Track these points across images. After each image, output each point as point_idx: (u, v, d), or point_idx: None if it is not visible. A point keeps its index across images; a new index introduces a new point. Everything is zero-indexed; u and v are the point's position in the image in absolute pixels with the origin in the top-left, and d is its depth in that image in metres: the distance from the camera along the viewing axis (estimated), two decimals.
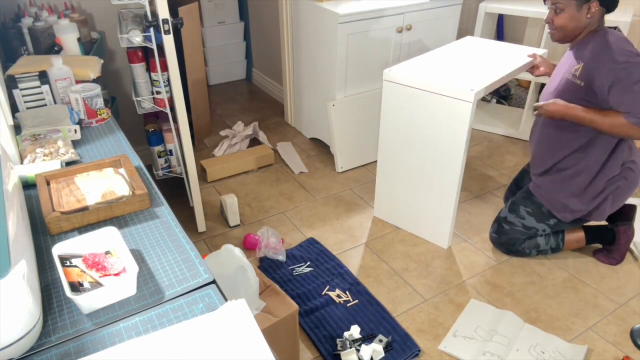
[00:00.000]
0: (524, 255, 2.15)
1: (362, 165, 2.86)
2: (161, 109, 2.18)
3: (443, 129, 2.01)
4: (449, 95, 1.93)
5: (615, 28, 1.79)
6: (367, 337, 1.77)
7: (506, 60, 2.21)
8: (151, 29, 1.91)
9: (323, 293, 1.96)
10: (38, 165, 1.32)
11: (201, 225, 2.31)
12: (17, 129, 1.55)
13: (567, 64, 1.86)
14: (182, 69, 1.98)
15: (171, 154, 2.38)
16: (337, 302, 1.92)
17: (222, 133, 3.11)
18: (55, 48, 1.96)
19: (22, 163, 1.37)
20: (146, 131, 2.37)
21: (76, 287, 0.92)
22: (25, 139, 1.46)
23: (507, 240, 2.12)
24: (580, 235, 2.10)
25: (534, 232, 2.07)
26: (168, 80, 2.01)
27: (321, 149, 3.01)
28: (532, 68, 2.18)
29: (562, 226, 2.05)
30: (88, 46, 2.18)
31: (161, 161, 2.41)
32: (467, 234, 2.32)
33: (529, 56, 2.21)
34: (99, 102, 1.64)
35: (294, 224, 2.40)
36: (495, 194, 2.59)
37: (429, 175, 2.13)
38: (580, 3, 1.70)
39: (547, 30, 1.85)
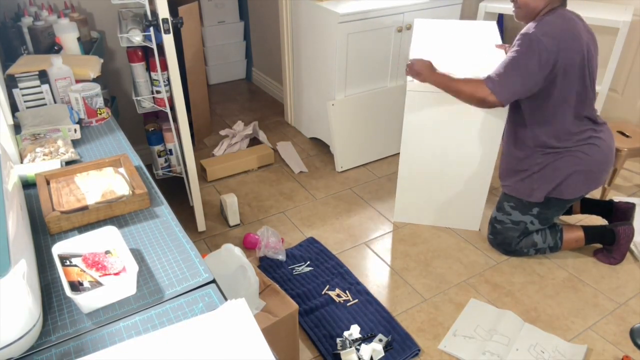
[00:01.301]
0: (522, 255, 2.15)
1: (362, 165, 2.86)
2: (161, 108, 2.18)
3: (477, 127, 2.05)
4: None
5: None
6: (366, 337, 1.77)
7: (488, 43, 2.28)
8: (151, 29, 1.91)
9: (323, 293, 1.96)
10: (38, 165, 1.32)
11: (201, 225, 2.31)
12: (17, 128, 1.55)
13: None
14: (182, 68, 1.98)
15: (171, 154, 2.38)
16: (337, 301, 1.92)
17: (222, 132, 3.11)
18: (55, 47, 1.96)
19: (22, 162, 1.37)
20: (146, 131, 2.37)
21: (76, 286, 0.92)
22: (25, 138, 1.46)
23: (503, 240, 2.13)
24: (579, 234, 2.10)
25: (524, 225, 2.07)
26: (168, 79, 2.01)
27: (321, 149, 3.01)
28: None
29: (547, 213, 2.03)
30: (88, 45, 2.18)
31: (161, 161, 2.42)
32: (467, 234, 2.32)
33: (497, 47, 2.24)
34: (99, 101, 1.64)
35: (293, 223, 2.40)
36: (493, 193, 2.59)
37: (460, 171, 2.19)
38: None
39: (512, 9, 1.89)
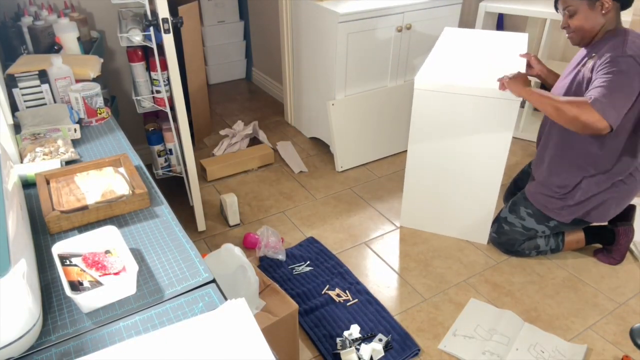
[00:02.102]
0: (523, 256, 2.15)
1: (362, 165, 2.86)
2: (161, 108, 2.18)
3: (487, 131, 1.99)
4: (495, 96, 1.90)
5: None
6: (366, 337, 1.77)
7: (511, 52, 2.25)
8: (151, 28, 1.91)
9: (323, 292, 1.96)
10: (38, 165, 1.32)
11: (201, 225, 2.31)
12: (16, 128, 1.55)
13: (579, 58, 1.84)
14: (181, 68, 1.98)
15: (171, 153, 2.38)
16: (337, 301, 1.92)
17: (222, 132, 3.11)
18: (55, 47, 1.96)
19: (21, 162, 1.37)
20: (146, 130, 2.37)
21: (76, 286, 0.92)
22: (25, 138, 1.46)
23: (507, 240, 2.12)
24: (580, 235, 2.10)
25: (534, 233, 2.06)
26: (168, 79, 2.01)
27: (321, 149, 3.01)
28: (526, 67, 2.15)
29: (562, 228, 2.04)
30: (88, 45, 2.18)
31: (161, 160, 2.42)
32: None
33: (522, 56, 2.18)
34: (99, 101, 1.64)
35: (293, 223, 2.40)
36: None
37: (468, 176, 2.12)
38: (592, 1, 1.65)
39: (564, 34, 1.84)
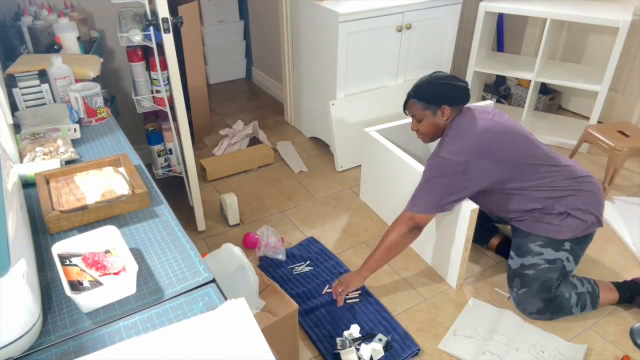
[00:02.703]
0: (563, 306, 1.83)
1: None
2: (161, 108, 2.18)
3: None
4: None
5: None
6: (366, 336, 1.77)
7: None
8: (151, 28, 1.91)
9: (323, 292, 1.96)
10: (38, 164, 1.32)
11: (201, 225, 2.31)
12: (16, 127, 1.55)
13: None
14: (181, 68, 1.98)
15: (171, 153, 2.38)
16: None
17: (222, 132, 3.10)
18: (55, 47, 1.95)
19: (21, 162, 1.37)
20: (146, 130, 2.37)
21: (76, 286, 0.92)
22: (25, 137, 1.46)
23: (541, 285, 1.80)
24: (614, 294, 1.91)
25: (561, 264, 1.82)
26: (168, 79, 2.00)
27: (321, 148, 3.01)
28: None
29: (577, 250, 1.87)
30: (88, 45, 2.18)
31: (161, 160, 2.41)
32: None
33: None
34: (99, 101, 1.64)
35: (293, 223, 2.40)
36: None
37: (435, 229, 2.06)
38: (434, 110, 1.86)
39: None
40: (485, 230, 2.19)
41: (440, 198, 1.78)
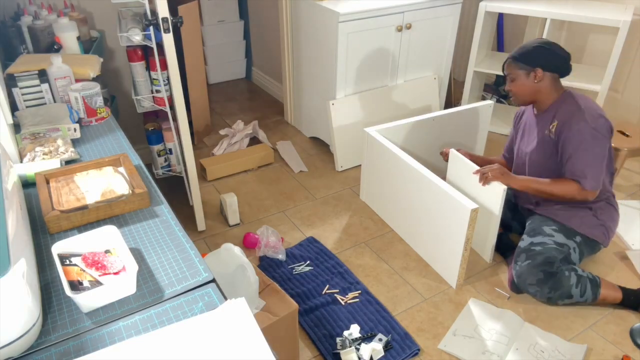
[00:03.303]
0: (563, 282, 1.85)
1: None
2: (161, 107, 2.18)
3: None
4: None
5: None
6: (366, 336, 1.77)
7: None
8: (151, 28, 1.91)
9: (323, 292, 1.96)
10: (37, 164, 1.32)
11: (201, 224, 2.31)
12: (16, 127, 1.55)
13: (539, 125, 1.97)
14: (181, 67, 1.98)
15: (171, 153, 2.38)
16: (341, 300, 1.92)
17: (222, 132, 3.10)
18: (55, 46, 1.95)
19: (21, 162, 1.37)
20: (146, 130, 2.37)
21: (76, 285, 0.92)
22: (25, 137, 1.46)
23: (544, 260, 1.85)
24: (618, 295, 1.93)
25: (567, 250, 1.90)
26: (168, 79, 2.01)
27: (321, 148, 3.01)
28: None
29: (583, 250, 1.95)
30: (88, 45, 2.17)
31: (161, 160, 2.41)
32: None
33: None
34: (99, 100, 1.64)
35: (293, 222, 2.40)
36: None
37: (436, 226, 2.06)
38: (527, 71, 1.89)
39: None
40: None
41: (600, 171, 1.83)
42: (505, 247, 2.16)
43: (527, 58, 1.88)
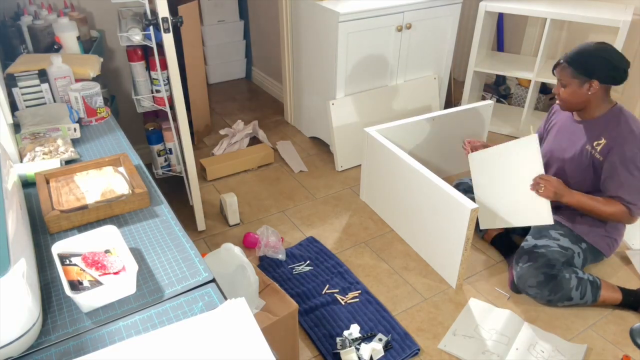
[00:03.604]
0: (563, 285, 1.84)
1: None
2: (161, 107, 2.18)
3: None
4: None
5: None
6: (366, 336, 1.77)
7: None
8: (151, 28, 1.91)
9: (323, 292, 1.96)
10: (37, 164, 1.32)
11: (201, 224, 2.31)
12: (16, 127, 1.55)
13: (581, 135, 1.88)
14: (181, 67, 1.98)
15: (171, 153, 2.38)
16: (342, 301, 1.92)
17: (222, 132, 3.10)
18: (55, 46, 1.95)
19: (21, 161, 1.37)
20: (146, 130, 2.37)
21: (76, 285, 0.92)
22: (25, 137, 1.46)
23: (546, 262, 1.84)
24: (617, 296, 1.92)
25: (571, 254, 1.89)
26: (168, 78, 2.00)
27: (321, 148, 3.01)
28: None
29: (587, 258, 1.95)
30: (87, 45, 2.17)
31: (161, 160, 2.41)
32: None
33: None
34: (99, 100, 1.64)
35: (293, 222, 2.40)
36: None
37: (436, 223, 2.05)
38: (582, 81, 1.76)
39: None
40: None
41: None
42: (507, 248, 2.16)
43: (586, 68, 1.75)
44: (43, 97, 1.65)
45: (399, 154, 2.17)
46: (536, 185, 1.84)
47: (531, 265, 1.86)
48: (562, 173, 1.95)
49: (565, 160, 1.94)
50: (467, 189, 2.21)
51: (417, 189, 2.11)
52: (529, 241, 1.96)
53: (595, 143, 1.83)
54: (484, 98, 3.60)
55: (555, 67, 1.85)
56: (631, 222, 1.86)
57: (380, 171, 2.34)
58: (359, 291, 1.95)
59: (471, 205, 1.82)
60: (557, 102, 1.90)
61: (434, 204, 2.01)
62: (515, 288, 1.96)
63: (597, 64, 1.74)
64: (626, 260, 2.15)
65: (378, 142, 2.29)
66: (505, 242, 2.17)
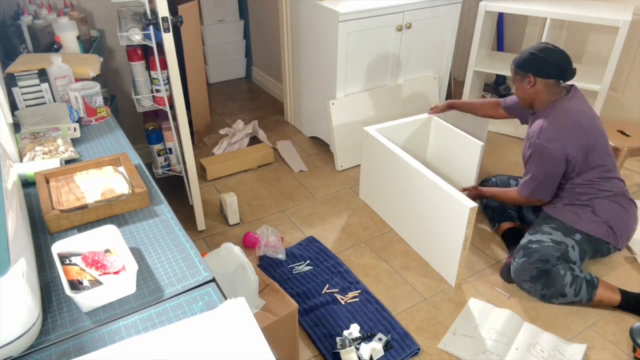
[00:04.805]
0: (557, 281, 1.87)
1: None
2: (161, 107, 2.18)
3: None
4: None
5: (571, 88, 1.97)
6: (366, 336, 1.77)
7: None
8: (151, 27, 1.91)
9: (323, 292, 1.96)
10: (37, 164, 1.32)
11: (201, 224, 2.31)
12: (16, 127, 1.54)
13: (528, 128, 2.03)
14: (181, 67, 1.98)
15: (171, 153, 2.38)
16: (342, 301, 1.92)
17: (222, 131, 3.10)
18: (55, 46, 1.95)
19: (21, 161, 1.36)
20: (146, 129, 2.37)
21: (76, 285, 0.92)
22: (25, 137, 1.46)
23: (540, 257, 1.89)
24: (616, 297, 1.91)
25: (565, 248, 1.91)
26: (168, 78, 2.00)
27: (321, 148, 3.01)
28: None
29: (585, 248, 1.93)
30: (87, 44, 2.17)
31: (161, 159, 2.41)
32: None
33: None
34: (99, 100, 1.63)
35: (293, 222, 2.40)
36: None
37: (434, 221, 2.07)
38: (522, 77, 1.95)
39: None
40: (503, 212, 2.29)
41: (545, 186, 1.96)
42: (515, 241, 2.16)
43: (521, 64, 1.94)
44: (43, 97, 1.65)
45: (397, 152, 2.17)
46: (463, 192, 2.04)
47: (525, 261, 1.92)
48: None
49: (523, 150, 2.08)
50: (487, 186, 2.33)
51: (416, 188, 2.11)
52: (525, 237, 2.01)
53: (530, 135, 1.96)
54: (483, 97, 3.60)
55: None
56: (531, 202, 2.04)
57: (379, 170, 2.34)
58: (359, 291, 1.95)
59: (470, 204, 1.82)
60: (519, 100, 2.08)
61: (433, 203, 2.01)
62: (505, 276, 2.05)
63: (529, 59, 1.92)
64: (630, 261, 2.15)
65: (377, 141, 2.29)
66: (515, 234, 2.21)
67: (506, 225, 2.26)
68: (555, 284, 1.87)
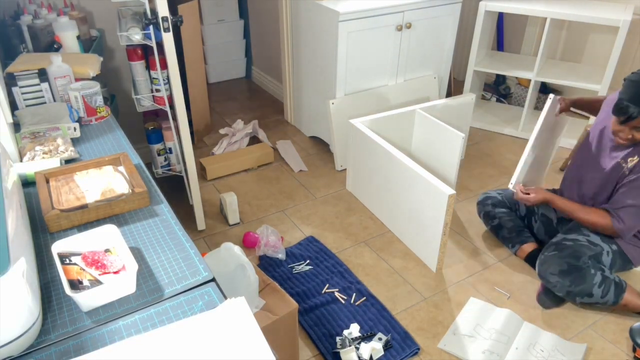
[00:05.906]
0: (586, 279, 1.80)
1: None
2: (161, 107, 2.18)
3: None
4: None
5: None
6: (366, 336, 1.77)
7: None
8: (151, 27, 1.91)
9: (323, 291, 1.96)
10: (37, 163, 1.32)
11: (201, 224, 2.31)
12: (16, 126, 1.54)
13: (618, 150, 1.84)
14: (181, 66, 1.98)
15: (171, 152, 2.38)
16: (341, 299, 1.92)
17: (222, 131, 3.10)
18: (55, 46, 1.95)
19: (21, 161, 1.36)
20: (146, 129, 2.37)
21: (76, 285, 0.92)
22: (25, 136, 1.46)
23: (571, 253, 1.83)
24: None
25: (600, 250, 1.86)
26: (167, 78, 2.00)
27: (321, 147, 3.01)
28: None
29: (618, 257, 1.90)
30: (87, 44, 2.17)
31: (161, 159, 2.41)
32: (466, 233, 2.33)
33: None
34: (99, 99, 1.63)
35: (293, 222, 2.40)
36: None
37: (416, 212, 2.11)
38: None
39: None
40: (521, 233, 2.17)
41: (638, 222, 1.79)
42: (521, 237, 2.15)
43: None
44: (43, 97, 1.64)
45: (380, 142, 2.23)
46: (523, 195, 1.94)
47: (556, 254, 1.85)
48: (588, 184, 1.93)
49: (598, 171, 1.90)
50: (495, 204, 2.22)
51: (397, 176, 2.17)
52: (558, 237, 1.95)
53: (629, 159, 1.80)
54: (483, 97, 3.60)
55: (627, 119, 1.73)
56: (598, 229, 1.85)
57: (364, 161, 2.40)
58: (364, 297, 1.94)
59: (448, 190, 1.87)
60: (622, 141, 1.80)
61: (414, 191, 2.07)
62: (542, 301, 1.93)
63: None
64: None
65: (362, 133, 2.34)
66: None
67: (528, 247, 2.13)
68: (584, 282, 1.80)
